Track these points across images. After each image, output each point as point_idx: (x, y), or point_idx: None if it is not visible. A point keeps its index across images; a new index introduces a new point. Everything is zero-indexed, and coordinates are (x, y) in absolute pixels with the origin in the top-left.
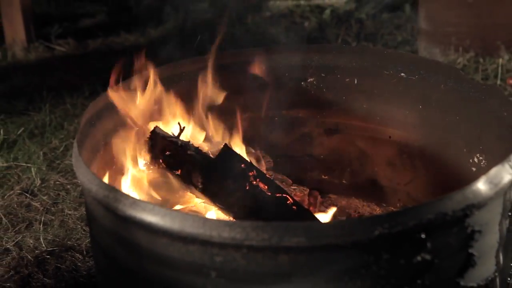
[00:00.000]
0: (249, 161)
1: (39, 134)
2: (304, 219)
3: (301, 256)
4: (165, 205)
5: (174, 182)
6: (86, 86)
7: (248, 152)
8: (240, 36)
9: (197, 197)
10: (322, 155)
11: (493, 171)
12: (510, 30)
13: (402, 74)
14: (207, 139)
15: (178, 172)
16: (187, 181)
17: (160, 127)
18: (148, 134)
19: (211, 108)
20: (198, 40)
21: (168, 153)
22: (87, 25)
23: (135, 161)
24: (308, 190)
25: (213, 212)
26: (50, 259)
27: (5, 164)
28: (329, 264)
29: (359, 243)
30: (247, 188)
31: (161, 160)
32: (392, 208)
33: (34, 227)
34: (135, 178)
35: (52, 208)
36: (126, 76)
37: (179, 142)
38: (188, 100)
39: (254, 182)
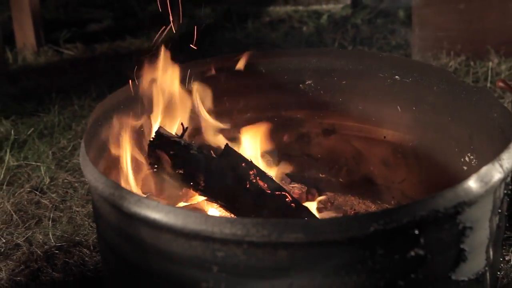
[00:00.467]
0: (249, 160)
1: (48, 134)
2: (302, 216)
3: (300, 251)
4: (169, 202)
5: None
6: (93, 88)
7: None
8: (241, 40)
9: (199, 194)
10: (319, 155)
11: (484, 170)
12: (499, 35)
13: (396, 76)
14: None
15: (181, 171)
16: (190, 179)
17: (164, 127)
18: (152, 135)
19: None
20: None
21: (171, 152)
22: (94, 30)
23: (139, 160)
24: (306, 188)
25: (215, 209)
26: (59, 254)
27: (15, 163)
28: (326, 259)
29: (355, 239)
30: (248, 186)
31: (165, 159)
32: (387, 206)
33: (43, 224)
34: (140, 176)
35: (61, 205)
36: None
37: (182, 142)
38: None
39: (254, 181)
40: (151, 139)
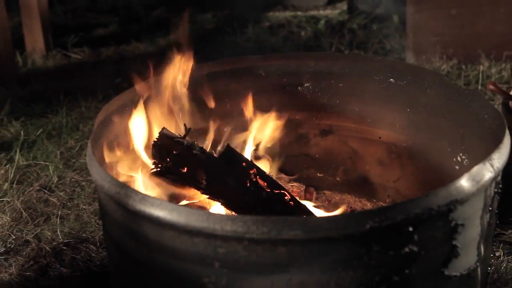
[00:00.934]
0: (250, 160)
1: (57, 135)
2: (300, 213)
3: (298, 248)
4: (172, 200)
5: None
6: (99, 90)
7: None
8: (241, 44)
9: (201, 193)
10: (317, 155)
11: (475, 169)
12: (489, 40)
13: (391, 79)
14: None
15: (184, 170)
16: (193, 178)
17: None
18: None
19: (213, 111)
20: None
21: (175, 152)
22: (100, 35)
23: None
24: (304, 186)
25: (217, 207)
26: (67, 250)
27: (25, 163)
28: (323, 255)
29: (351, 236)
30: (248, 185)
31: (168, 159)
32: (382, 204)
33: (51, 221)
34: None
35: (68, 203)
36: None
37: (185, 143)
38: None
39: (254, 179)
40: (155, 140)
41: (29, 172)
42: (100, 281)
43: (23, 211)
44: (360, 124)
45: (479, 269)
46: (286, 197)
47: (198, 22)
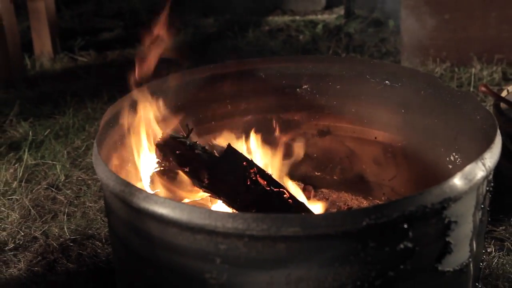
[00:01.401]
0: (250, 159)
1: (64, 135)
2: (299, 211)
3: (297, 244)
4: (175, 198)
5: (183, 178)
6: (105, 92)
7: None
8: (242, 48)
9: (203, 191)
10: (315, 154)
11: (468, 168)
12: (481, 43)
13: (387, 81)
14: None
15: (187, 169)
16: (195, 177)
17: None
18: (160, 136)
19: (214, 112)
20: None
21: (178, 152)
22: (106, 38)
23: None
24: (303, 185)
25: (218, 205)
26: (73, 246)
27: (33, 162)
28: (321, 252)
29: (348, 232)
30: (248, 183)
31: (171, 158)
32: (378, 201)
33: (59, 218)
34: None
35: (75, 201)
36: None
37: (188, 143)
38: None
39: (254, 178)
40: (159, 140)
41: (37, 171)
42: (106, 276)
43: (31, 209)
44: (357, 124)
45: (471, 265)
46: (285, 195)
47: (200, 27)
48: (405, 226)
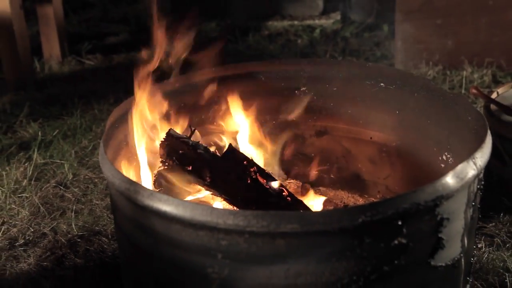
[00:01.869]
0: (250, 158)
1: (71, 135)
2: (297, 208)
3: (295, 240)
4: (178, 196)
5: (186, 176)
6: (111, 94)
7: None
8: (243, 51)
9: (205, 189)
10: (313, 154)
11: (459, 167)
12: (472, 47)
13: (382, 84)
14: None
15: (189, 168)
16: (197, 175)
17: (174, 129)
18: (163, 136)
19: (216, 113)
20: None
21: (181, 152)
22: (112, 43)
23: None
24: (301, 183)
25: (220, 203)
26: (81, 242)
27: (42, 161)
28: (319, 247)
29: (345, 229)
30: (249, 181)
31: (175, 158)
32: (373, 199)
33: (67, 215)
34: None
35: (82, 199)
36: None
37: (190, 142)
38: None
39: (255, 177)
40: (162, 140)
41: (46, 170)
42: (112, 271)
43: (40, 206)
44: (353, 125)
45: (463, 260)
46: (284, 193)
47: (202, 31)
48: (399, 222)
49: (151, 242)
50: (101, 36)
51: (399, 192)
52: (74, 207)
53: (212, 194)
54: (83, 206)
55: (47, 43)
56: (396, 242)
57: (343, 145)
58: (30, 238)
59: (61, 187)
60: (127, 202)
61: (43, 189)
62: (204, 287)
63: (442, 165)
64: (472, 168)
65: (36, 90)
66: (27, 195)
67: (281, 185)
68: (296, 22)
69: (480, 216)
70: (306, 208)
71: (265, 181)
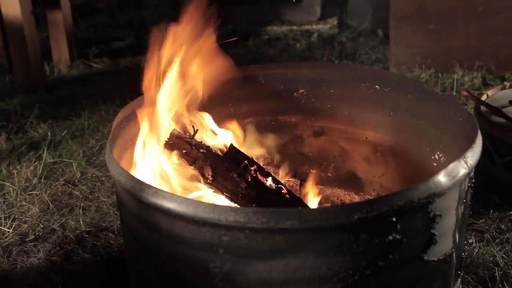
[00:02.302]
0: (251, 157)
1: (79, 135)
2: (296, 205)
3: (294, 236)
4: (181, 193)
5: (189, 174)
6: (117, 96)
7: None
8: (243, 55)
9: (208, 187)
10: (311, 153)
11: (451, 166)
12: (463, 51)
13: (376, 86)
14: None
15: (192, 167)
16: (200, 174)
17: (177, 129)
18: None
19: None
20: None
21: (184, 151)
22: (118, 47)
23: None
24: (299, 181)
25: (221, 200)
26: (88, 237)
27: (51, 160)
28: (316, 243)
29: (341, 225)
30: (249, 180)
31: (178, 157)
32: (368, 197)
33: (75, 212)
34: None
35: (90, 196)
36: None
37: (193, 142)
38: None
39: (255, 175)
40: (166, 140)
41: (55, 169)
42: (118, 265)
43: (50, 203)
44: (349, 126)
45: (454, 255)
46: (283, 191)
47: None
48: (394, 219)
49: (156, 238)
50: (108, 40)
51: (394, 190)
52: (82, 204)
53: (214, 191)
54: (90, 203)
55: (56, 48)
56: (390, 237)
57: (339, 145)
58: (40, 234)
59: (70, 185)
60: (132, 200)
61: (52, 187)
62: (206, 281)
63: (435, 164)
64: (463, 167)
65: (45, 92)
66: (37, 193)
67: (280, 183)
68: (294, 27)
69: (470, 212)
70: (304, 205)
71: (265, 179)
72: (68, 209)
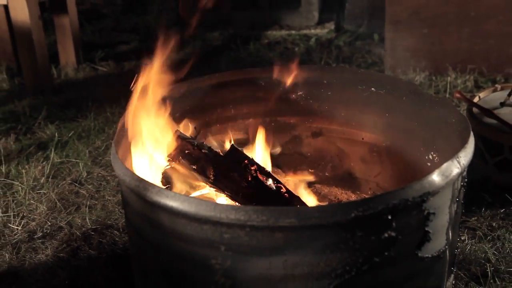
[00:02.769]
0: (251, 158)
1: (86, 136)
2: (295, 204)
3: (293, 233)
4: (184, 192)
5: (191, 174)
6: (122, 98)
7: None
8: (244, 58)
9: (209, 186)
10: (309, 153)
11: (444, 165)
12: (456, 55)
13: (372, 88)
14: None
15: (195, 167)
16: (202, 173)
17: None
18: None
19: (219, 116)
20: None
21: (186, 151)
22: (123, 51)
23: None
24: (298, 180)
25: (223, 199)
26: (94, 235)
27: (59, 160)
28: (314, 240)
29: (338, 223)
30: (249, 179)
31: (181, 157)
32: (365, 195)
33: (81, 210)
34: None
35: (96, 195)
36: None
37: (195, 143)
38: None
39: (255, 175)
40: (170, 140)
41: (62, 168)
42: (123, 262)
43: (57, 202)
44: (346, 127)
45: (447, 251)
46: (282, 190)
47: (206, 40)
48: (389, 217)
49: (159, 235)
50: (113, 44)
51: (389, 189)
52: (88, 203)
53: (215, 190)
54: (96, 202)
55: (63, 51)
56: (386, 235)
57: (337, 145)
58: (48, 231)
59: (76, 184)
60: (136, 198)
61: (59, 186)
62: (207, 277)
63: (429, 164)
64: (456, 166)
65: (53, 94)
66: (45, 192)
67: (279, 183)
68: (293, 32)
69: (463, 211)
70: (303, 203)
71: (264, 178)
72: (74, 208)
